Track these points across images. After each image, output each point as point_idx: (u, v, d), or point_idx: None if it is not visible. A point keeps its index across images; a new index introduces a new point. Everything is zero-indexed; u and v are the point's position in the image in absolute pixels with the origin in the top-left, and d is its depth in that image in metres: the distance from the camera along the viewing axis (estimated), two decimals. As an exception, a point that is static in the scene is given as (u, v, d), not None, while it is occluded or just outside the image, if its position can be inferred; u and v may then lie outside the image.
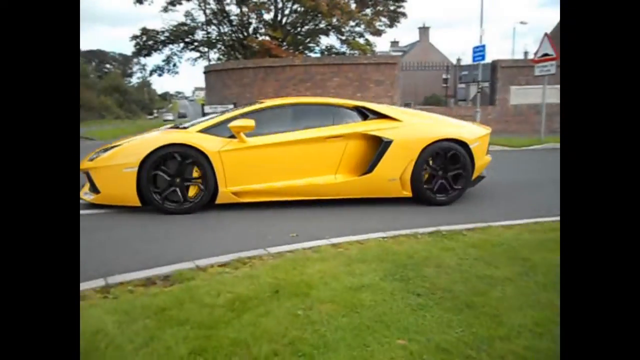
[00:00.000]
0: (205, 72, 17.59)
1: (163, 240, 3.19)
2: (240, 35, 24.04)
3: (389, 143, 4.06)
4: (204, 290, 2.18)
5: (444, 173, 4.23)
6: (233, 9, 23.82)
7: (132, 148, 3.92)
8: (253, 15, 23.32)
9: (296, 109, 4.51)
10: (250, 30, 24.17)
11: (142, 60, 77.02)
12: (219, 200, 3.95)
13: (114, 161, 3.87)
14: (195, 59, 25.95)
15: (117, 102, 62.95)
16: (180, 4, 24.07)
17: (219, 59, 24.99)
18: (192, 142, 3.83)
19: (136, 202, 3.83)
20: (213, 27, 23.78)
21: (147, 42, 23.37)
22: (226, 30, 24.30)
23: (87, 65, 72.11)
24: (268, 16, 23.53)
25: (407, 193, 4.21)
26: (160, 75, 25.20)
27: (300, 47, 24.84)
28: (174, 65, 25.14)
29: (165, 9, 23.64)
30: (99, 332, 1.78)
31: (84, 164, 3.97)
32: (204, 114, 11.46)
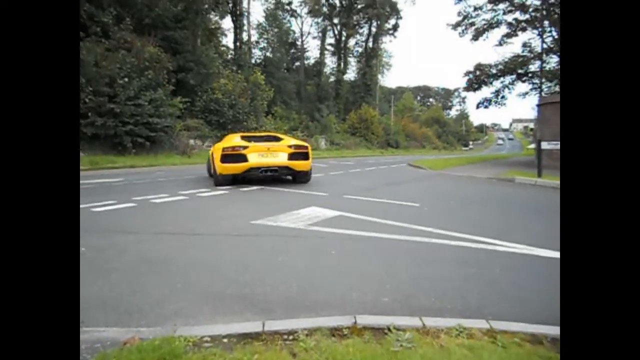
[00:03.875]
0: (539, 105, 16.38)
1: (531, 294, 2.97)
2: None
3: None
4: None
5: None
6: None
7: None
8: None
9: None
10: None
11: (463, 93, 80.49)
12: None
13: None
14: (526, 93, 24.68)
15: (436, 133, 68.27)
16: (516, 35, 23.59)
17: (554, 92, 22.85)
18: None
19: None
20: (552, 55, 21.99)
21: (480, 76, 24.04)
22: (567, 58, 21.94)
23: (412, 97, 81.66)
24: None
25: None
26: (486, 107, 25.41)
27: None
28: (503, 97, 24.77)
29: (500, 43, 23.68)
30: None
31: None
32: (539, 150, 10.57)
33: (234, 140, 8.44)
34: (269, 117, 28.09)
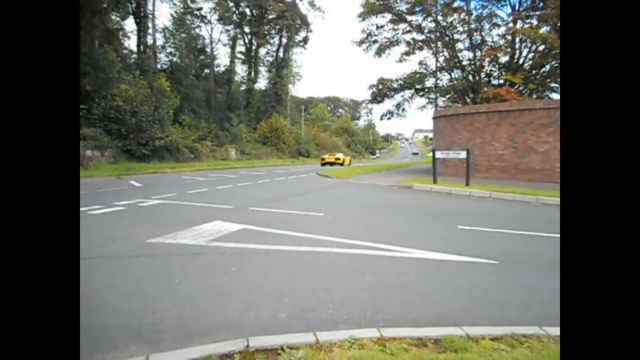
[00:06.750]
0: (434, 118, 17.85)
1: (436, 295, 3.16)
2: (472, 80, 23.67)
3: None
4: (485, 370, 2.00)
5: None
6: (466, 54, 23.82)
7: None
8: (487, 59, 22.69)
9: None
10: (483, 74, 23.53)
11: (369, 105, 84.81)
12: None
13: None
14: (424, 105, 26.87)
15: (345, 142, 70.83)
16: (414, 53, 25.57)
17: (447, 105, 25.17)
18: None
19: None
20: (444, 73, 24.22)
21: (382, 90, 25.61)
22: (457, 75, 24.37)
23: (325, 108, 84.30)
24: (504, 59, 22.46)
25: None
26: (389, 118, 27.23)
27: (540, 89, 22.61)
28: (403, 110, 26.65)
29: (400, 60, 25.46)
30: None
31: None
32: (434, 159, 11.53)
33: (325, 155, 34.15)
34: (176, 125, 26.78)
